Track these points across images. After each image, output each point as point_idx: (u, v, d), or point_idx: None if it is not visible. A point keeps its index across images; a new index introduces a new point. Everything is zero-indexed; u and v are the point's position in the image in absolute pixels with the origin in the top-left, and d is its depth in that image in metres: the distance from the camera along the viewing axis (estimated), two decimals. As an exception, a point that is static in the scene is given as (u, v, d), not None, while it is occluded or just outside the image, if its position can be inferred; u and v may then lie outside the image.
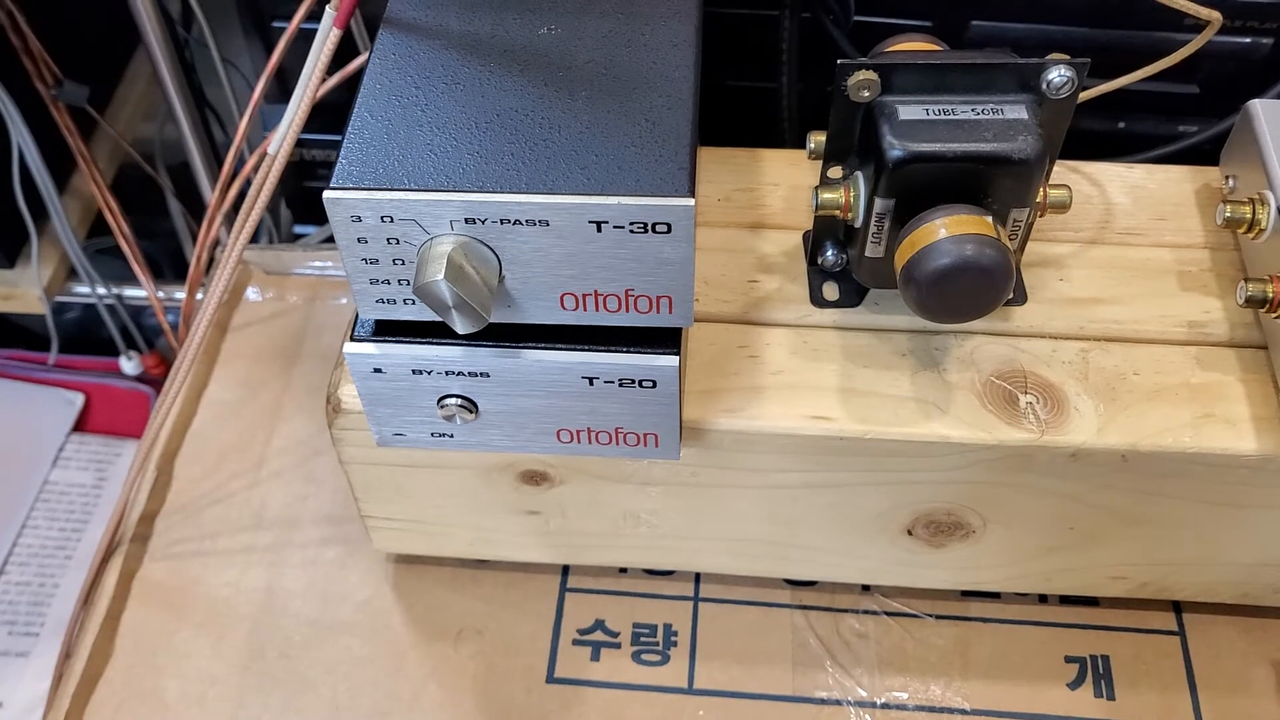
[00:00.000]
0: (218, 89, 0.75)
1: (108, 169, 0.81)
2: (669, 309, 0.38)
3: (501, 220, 0.35)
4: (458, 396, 0.41)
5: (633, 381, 0.40)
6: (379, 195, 0.35)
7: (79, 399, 0.89)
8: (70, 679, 0.52)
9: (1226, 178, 0.48)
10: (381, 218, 0.36)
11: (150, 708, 0.51)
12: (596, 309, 0.38)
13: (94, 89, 0.75)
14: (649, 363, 0.39)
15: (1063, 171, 0.51)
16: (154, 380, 0.91)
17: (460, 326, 0.37)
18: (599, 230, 0.35)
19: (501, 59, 0.39)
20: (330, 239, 0.77)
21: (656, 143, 0.36)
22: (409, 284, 0.37)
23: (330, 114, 0.55)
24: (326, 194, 0.35)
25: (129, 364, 0.89)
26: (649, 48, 0.40)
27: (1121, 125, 0.63)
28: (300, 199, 0.78)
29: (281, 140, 0.41)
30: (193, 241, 0.89)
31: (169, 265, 0.93)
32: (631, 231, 0.35)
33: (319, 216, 0.79)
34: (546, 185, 0.35)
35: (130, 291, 0.85)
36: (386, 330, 0.40)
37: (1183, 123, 0.63)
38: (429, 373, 0.40)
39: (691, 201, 0.35)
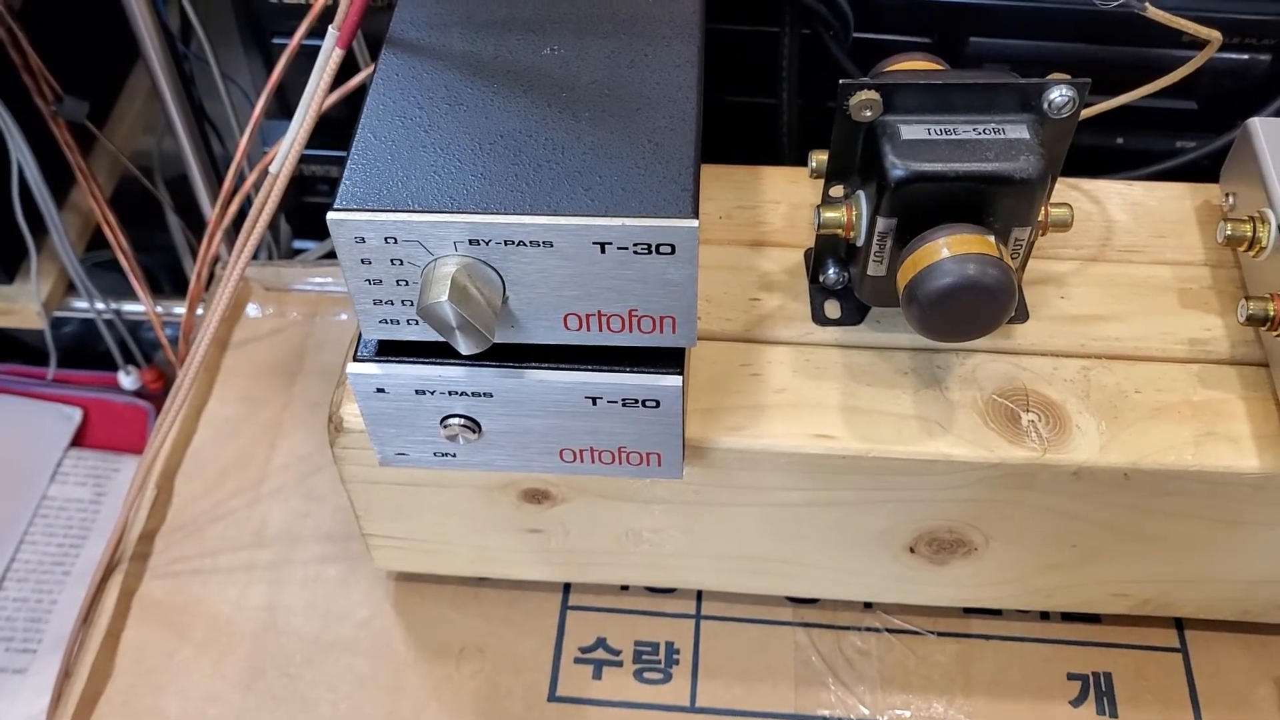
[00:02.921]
0: (217, 104, 0.75)
1: (106, 183, 0.81)
2: (672, 329, 0.38)
3: (505, 241, 0.35)
4: (461, 416, 0.41)
5: (636, 401, 0.40)
6: (383, 216, 0.35)
7: (77, 414, 0.89)
8: (70, 698, 0.52)
9: (1226, 195, 0.48)
10: (385, 239, 0.36)
11: (150, 727, 0.51)
12: (600, 329, 0.38)
13: (93, 103, 0.75)
14: (652, 383, 0.39)
15: (1062, 188, 0.51)
16: (152, 395, 0.91)
17: (464, 347, 0.37)
18: (603, 251, 0.35)
19: (505, 80, 0.39)
20: (330, 254, 0.77)
21: (660, 164, 0.36)
22: (412, 304, 0.37)
23: (329, 129, 0.54)
24: (330, 215, 0.35)
25: (127, 379, 0.88)
26: (652, 68, 0.40)
27: (1119, 141, 0.64)
28: (299, 214, 0.78)
29: (283, 160, 0.41)
30: (191, 255, 0.88)
31: (167, 279, 0.92)
32: (635, 252, 0.35)
33: (318, 232, 0.79)
34: (550, 206, 0.35)
35: (128, 306, 0.85)
36: (390, 350, 0.40)
37: (1180, 138, 0.63)
38: (432, 393, 0.40)
39: (695, 223, 0.35)
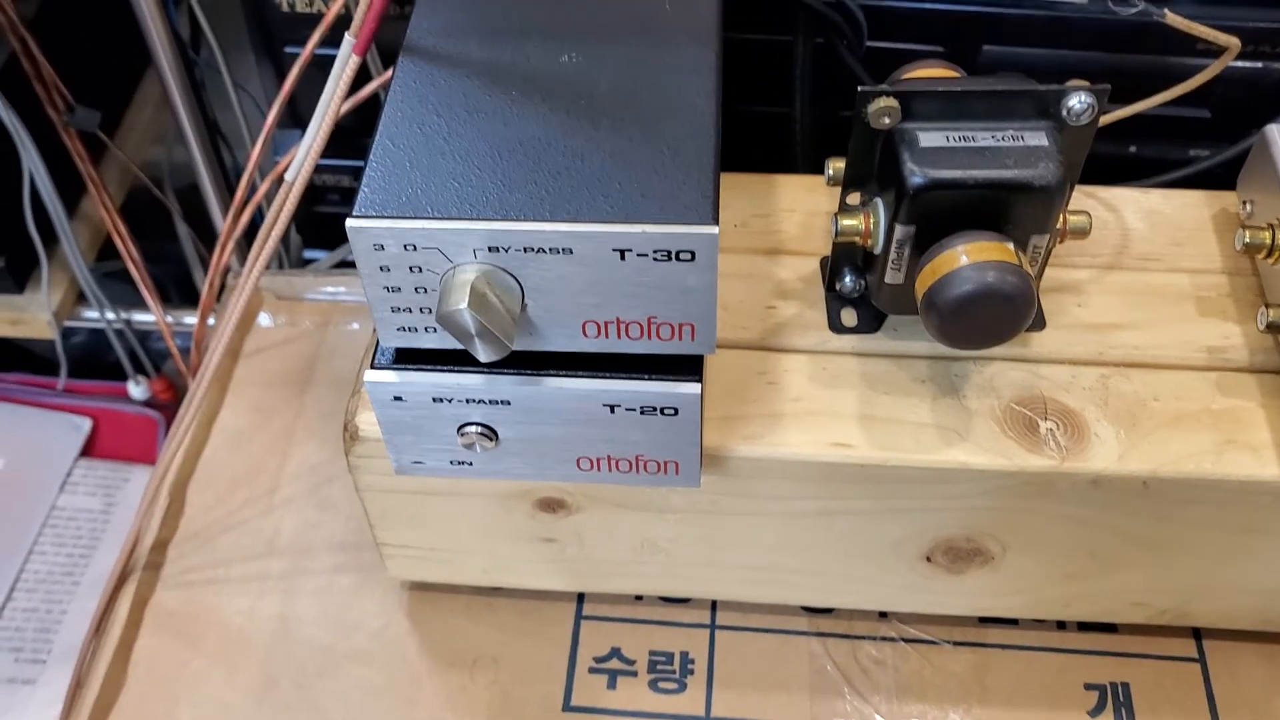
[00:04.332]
0: (228, 113, 0.75)
1: (117, 193, 0.81)
2: (691, 336, 0.38)
3: (525, 248, 0.35)
4: (478, 424, 0.41)
5: (654, 409, 0.40)
6: (402, 224, 0.35)
7: (87, 424, 0.89)
8: (82, 708, 0.52)
9: (1244, 202, 0.48)
10: (404, 246, 0.36)
11: (163, 737, 0.51)
12: (619, 336, 0.38)
13: (104, 113, 0.75)
14: (671, 390, 0.39)
15: (1079, 196, 0.51)
16: (162, 405, 0.91)
17: (483, 355, 0.36)
18: (622, 258, 0.35)
19: (523, 87, 0.39)
20: (341, 264, 0.77)
21: (680, 170, 0.36)
22: (431, 312, 0.37)
23: (340, 138, 0.54)
24: (349, 222, 0.35)
25: (137, 389, 0.88)
26: (670, 74, 0.40)
27: (1133, 149, 0.64)
28: (311, 224, 0.78)
29: (299, 166, 0.41)
30: (201, 265, 0.88)
31: (176, 289, 0.92)
32: (655, 259, 0.35)
33: (329, 241, 0.79)
34: (570, 213, 0.35)
35: (138, 316, 0.85)
36: (407, 358, 0.40)
37: (1194, 147, 0.63)
38: (450, 401, 0.40)
39: (715, 230, 0.35)
